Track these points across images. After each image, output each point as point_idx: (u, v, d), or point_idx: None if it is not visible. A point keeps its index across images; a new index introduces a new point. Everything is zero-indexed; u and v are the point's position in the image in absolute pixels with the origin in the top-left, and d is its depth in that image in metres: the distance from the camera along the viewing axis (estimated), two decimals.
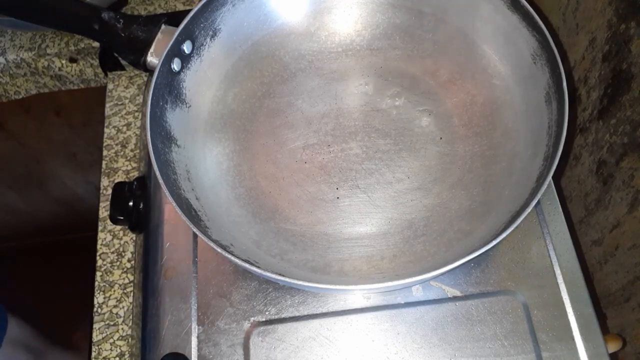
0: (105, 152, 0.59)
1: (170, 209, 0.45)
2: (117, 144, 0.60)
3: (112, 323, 0.51)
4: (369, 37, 0.51)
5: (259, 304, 0.42)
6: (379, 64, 0.50)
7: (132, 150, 0.59)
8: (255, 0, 0.48)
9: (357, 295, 0.42)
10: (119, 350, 0.49)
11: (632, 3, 0.38)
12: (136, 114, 0.61)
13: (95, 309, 0.52)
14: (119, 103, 0.62)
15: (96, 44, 0.63)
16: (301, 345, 0.40)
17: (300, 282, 0.35)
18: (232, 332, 0.41)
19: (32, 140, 0.91)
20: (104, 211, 0.56)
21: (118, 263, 0.53)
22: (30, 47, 0.64)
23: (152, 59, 0.46)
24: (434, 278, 0.42)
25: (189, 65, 0.46)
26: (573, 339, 0.40)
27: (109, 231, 0.55)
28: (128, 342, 0.50)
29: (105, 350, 0.50)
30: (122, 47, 0.48)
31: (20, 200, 1.09)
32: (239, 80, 0.49)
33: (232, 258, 0.35)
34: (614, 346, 0.44)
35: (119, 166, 0.58)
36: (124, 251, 0.54)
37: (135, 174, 0.57)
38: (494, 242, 0.35)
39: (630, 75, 0.39)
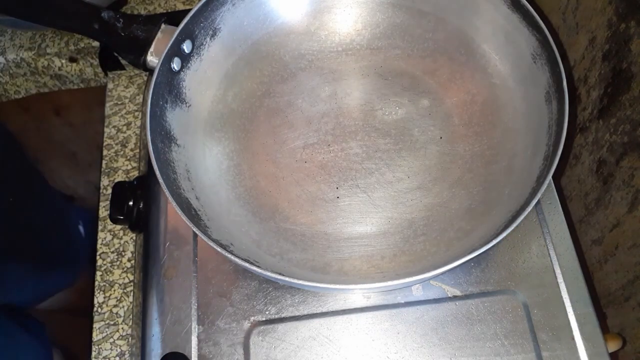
0: (105, 152, 0.59)
1: (170, 209, 0.45)
2: (117, 144, 0.60)
3: (112, 322, 0.51)
4: (369, 36, 0.51)
5: (259, 304, 0.42)
6: (379, 64, 0.50)
7: (132, 150, 0.59)
8: (255, 0, 0.48)
9: (357, 294, 0.42)
10: (119, 350, 0.49)
11: (632, 2, 0.38)
12: (136, 113, 0.61)
13: (95, 309, 0.52)
14: (119, 102, 0.62)
15: (96, 44, 0.63)
16: (301, 344, 0.40)
17: (300, 282, 0.35)
18: (233, 331, 0.41)
19: (32, 140, 0.91)
20: (104, 211, 0.56)
21: (118, 262, 0.53)
22: (30, 47, 0.64)
23: (152, 58, 0.46)
24: (434, 277, 0.42)
25: (189, 65, 0.46)
26: (573, 339, 0.40)
27: (109, 231, 0.55)
28: (128, 341, 0.50)
29: (105, 349, 0.50)
30: (122, 47, 0.48)
31: None
32: (238, 80, 0.49)
33: (232, 257, 0.35)
34: (613, 345, 0.44)
35: (119, 166, 0.58)
36: (124, 251, 0.54)
37: (135, 173, 0.57)
38: (494, 242, 0.35)
39: (630, 74, 0.39)
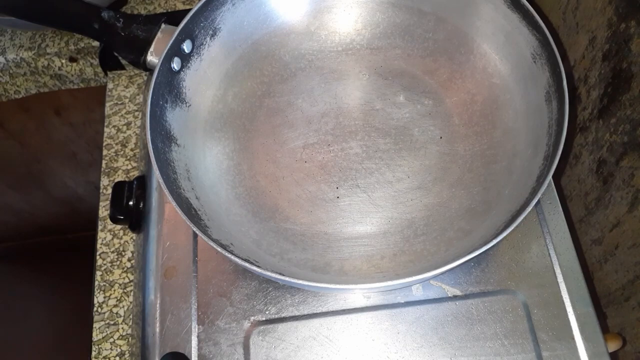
0: (105, 152, 0.59)
1: (170, 209, 0.45)
2: (117, 144, 0.60)
3: (112, 322, 0.51)
4: (369, 36, 0.51)
5: (259, 303, 0.42)
6: (379, 63, 0.50)
7: (132, 150, 0.59)
8: (255, 0, 0.48)
9: (357, 294, 0.42)
10: (119, 350, 0.49)
11: (632, 2, 0.38)
12: (136, 113, 0.61)
13: (95, 309, 0.52)
14: (119, 102, 0.62)
15: (96, 44, 0.63)
16: (301, 344, 0.40)
17: (300, 282, 0.35)
18: (232, 331, 0.41)
19: (32, 140, 0.91)
20: (104, 210, 0.56)
21: (118, 262, 0.53)
22: (30, 47, 0.64)
23: (152, 58, 0.46)
24: (434, 277, 0.42)
25: (189, 65, 0.46)
26: (573, 338, 0.40)
27: (109, 230, 0.55)
28: (128, 341, 0.50)
29: (105, 349, 0.50)
30: (122, 47, 0.48)
31: (21, 200, 1.09)
32: (238, 80, 0.49)
33: (232, 257, 0.35)
34: (614, 345, 0.44)
35: (119, 165, 0.58)
36: (124, 250, 0.54)
37: (136, 173, 0.57)
38: (494, 242, 0.35)
39: (630, 74, 0.39)
